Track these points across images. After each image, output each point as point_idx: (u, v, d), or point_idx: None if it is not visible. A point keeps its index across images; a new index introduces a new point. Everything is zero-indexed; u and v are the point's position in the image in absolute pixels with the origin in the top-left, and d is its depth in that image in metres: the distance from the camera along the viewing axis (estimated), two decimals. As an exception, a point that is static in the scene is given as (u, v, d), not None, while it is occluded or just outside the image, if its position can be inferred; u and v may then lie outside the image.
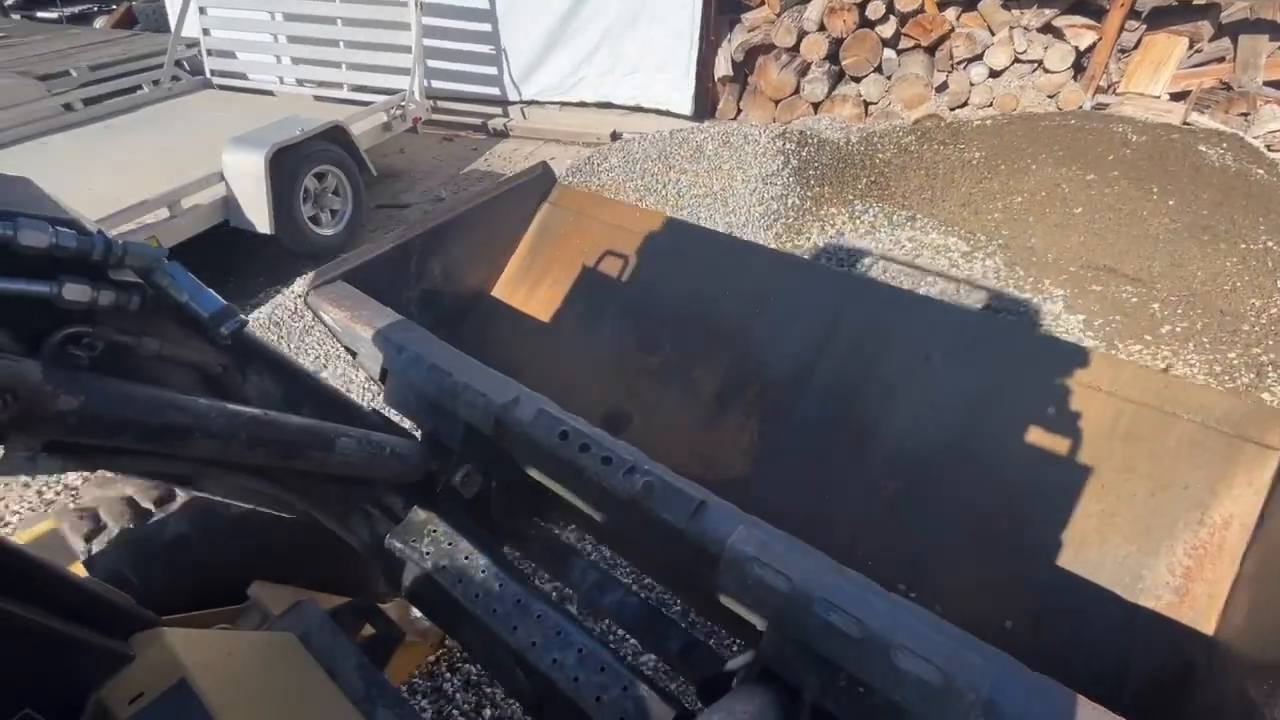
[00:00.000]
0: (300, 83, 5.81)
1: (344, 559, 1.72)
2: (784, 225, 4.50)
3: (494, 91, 6.96)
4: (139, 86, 5.59)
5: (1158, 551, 1.31)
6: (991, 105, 6.08)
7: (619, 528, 1.22)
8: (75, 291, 0.79)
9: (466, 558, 1.23)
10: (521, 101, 6.98)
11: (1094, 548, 1.36)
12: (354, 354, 1.75)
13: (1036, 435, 1.49)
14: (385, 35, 5.42)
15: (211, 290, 1.00)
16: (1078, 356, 1.52)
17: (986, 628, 1.39)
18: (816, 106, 6.33)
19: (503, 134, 6.91)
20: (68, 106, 5.12)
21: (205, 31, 5.76)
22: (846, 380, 1.73)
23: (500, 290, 2.21)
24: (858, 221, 4.57)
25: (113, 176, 4.05)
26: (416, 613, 1.73)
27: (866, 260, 4.19)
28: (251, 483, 1.15)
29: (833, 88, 6.30)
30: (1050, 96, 5.97)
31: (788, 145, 5.04)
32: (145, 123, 5.09)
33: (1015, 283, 3.94)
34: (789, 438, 1.74)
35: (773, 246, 4.25)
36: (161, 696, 0.79)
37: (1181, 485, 1.34)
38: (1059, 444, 1.46)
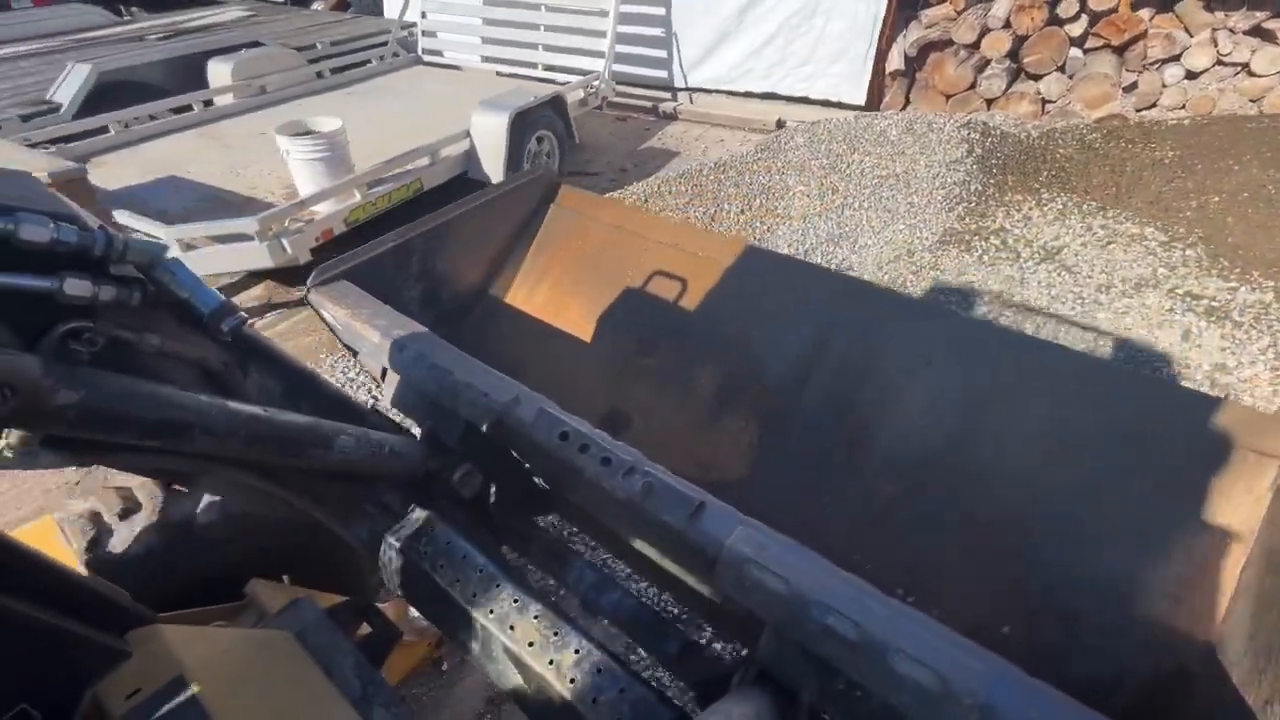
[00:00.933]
0: (498, 61, 6.65)
1: (342, 557, 1.72)
2: (966, 208, 4.72)
3: (664, 77, 7.50)
4: (367, 60, 6.58)
5: (1155, 558, 1.31)
6: (1184, 107, 5.90)
7: (618, 528, 1.22)
8: (76, 287, 0.78)
9: (464, 557, 1.23)
10: (689, 89, 7.43)
11: (1091, 554, 1.36)
12: (355, 352, 1.75)
13: (1034, 440, 1.49)
14: (583, 21, 6.17)
15: (212, 288, 1.00)
16: (1076, 362, 1.52)
17: (984, 632, 1.39)
18: (990, 103, 6.39)
19: (671, 117, 7.30)
20: (319, 75, 6.16)
21: (423, 15, 6.78)
22: (845, 384, 1.73)
23: (501, 289, 2.21)
24: (1045, 209, 4.68)
25: (377, 132, 4.85)
26: (414, 612, 1.73)
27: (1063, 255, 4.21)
28: (251, 480, 1.15)
29: (1009, 85, 6.32)
30: (1254, 100, 5.73)
31: (972, 135, 5.31)
32: (376, 90, 6.08)
33: (1219, 272, 3.94)
34: (787, 441, 1.74)
35: (955, 228, 4.49)
36: (157, 692, 0.79)
37: (1180, 492, 1.34)
38: (1057, 449, 1.46)
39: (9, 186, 0.79)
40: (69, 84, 4.97)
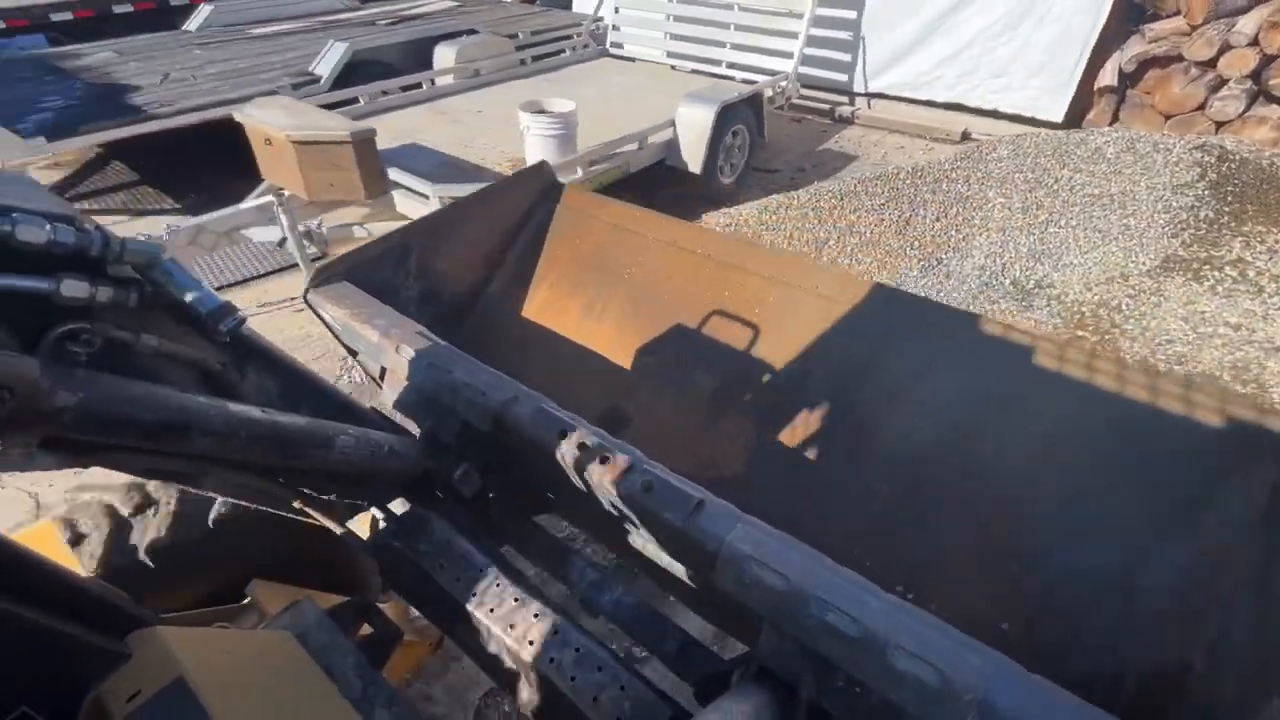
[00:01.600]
0: (681, 57, 6.82)
1: (342, 557, 1.72)
2: (1192, 235, 4.45)
3: (842, 80, 7.38)
4: (560, 51, 7.04)
5: (1156, 554, 1.31)
6: None
7: (617, 526, 1.22)
8: (73, 288, 0.78)
9: (464, 556, 1.23)
10: (868, 94, 7.30)
11: (1091, 550, 1.36)
12: (353, 352, 1.75)
13: (1033, 438, 1.49)
14: (776, 22, 6.29)
15: (210, 288, 1.00)
16: (1077, 357, 1.52)
17: (983, 629, 1.39)
18: (1220, 125, 5.81)
19: (847, 121, 7.25)
20: (522, 62, 6.65)
21: (616, 10, 7.19)
22: (846, 382, 1.73)
23: (499, 289, 2.21)
24: (1295, 242, 4.30)
25: (586, 119, 4.91)
26: (415, 611, 1.73)
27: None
28: (250, 480, 1.15)
29: (1248, 107, 5.73)
30: None
31: (1206, 158, 4.98)
32: (569, 79, 6.47)
33: None
34: (787, 439, 1.74)
35: (1180, 255, 4.29)
36: (158, 694, 0.79)
37: (1180, 487, 1.34)
38: (1056, 446, 1.46)
39: (5, 187, 0.79)
40: (328, 59, 5.63)
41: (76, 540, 1.51)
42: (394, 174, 3.98)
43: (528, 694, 1.10)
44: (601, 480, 1.07)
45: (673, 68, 6.81)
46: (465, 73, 6.13)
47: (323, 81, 5.53)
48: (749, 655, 0.98)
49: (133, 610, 0.89)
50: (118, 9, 7.47)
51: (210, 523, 1.61)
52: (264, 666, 0.97)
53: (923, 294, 4.02)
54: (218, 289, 4.39)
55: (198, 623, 1.15)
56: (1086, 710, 0.76)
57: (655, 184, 5.24)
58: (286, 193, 3.64)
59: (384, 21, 6.85)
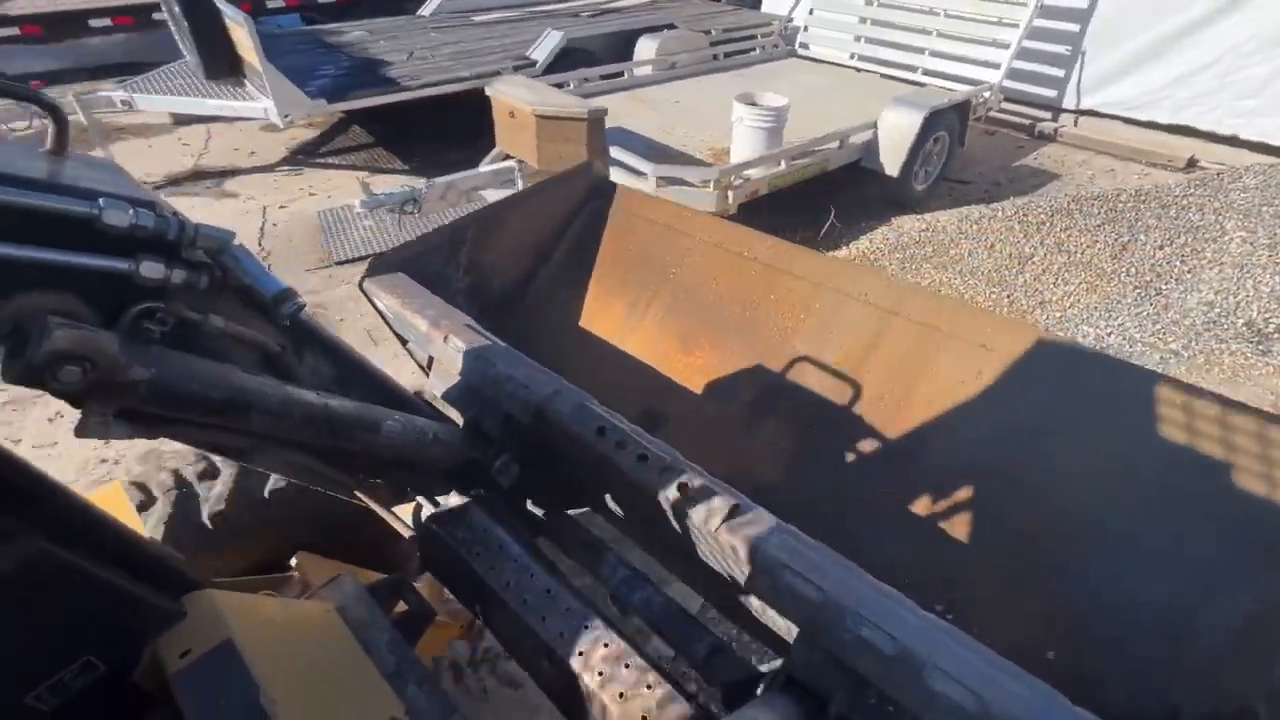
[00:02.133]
0: (873, 61, 6.68)
1: (384, 536, 1.78)
2: None
3: (1048, 94, 6.89)
4: (750, 50, 7.13)
5: (1221, 592, 1.23)
6: None
7: (651, 525, 1.22)
8: (151, 269, 0.83)
9: (500, 546, 1.25)
10: (1077, 110, 6.79)
11: (1147, 581, 1.29)
12: (404, 341, 1.80)
13: (1088, 458, 1.42)
14: (987, 31, 5.97)
15: (274, 274, 1.04)
16: (1143, 379, 1.45)
17: (1027, 656, 1.34)
18: None
19: (1048, 138, 6.83)
20: (715, 57, 6.82)
21: (810, 12, 7.15)
22: (890, 391, 1.68)
23: (546, 284, 2.24)
24: None
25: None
26: (449, 594, 1.78)
27: None
28: (301, 459, 1.20)
29: None
30: None
31: None
32: (758, 77, 6.44)
33: None
34: (827, 448, 1.71)
35: None
36: (208, 653, 0.84)
37: (1247, 520, 1.25)
38: (1113, 468, 1.39)
39: (94, 173, 0.84)
40: (544, 45, 6.11)
41: (147, 503, 1.61)
42: (614, 152, 4.18)
43: (554, 685, 1.11)
44: (637, 479, 1.07)
45: (857, 70, 6.71)
46: (662, 65, 6.39)
47: (538, 66, 5.96)
48: (779, 664, 0.96)
49: (189, 572, 0.94)
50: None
51: (267, 494, 1.70)
52: (305, 635, 1.01)
53: (1136, 324, 3.86)
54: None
55: (246, 589, 1.21)
56: (1135, 750, 0.73)
57: (841, 185, 5.17)
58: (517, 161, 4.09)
59: (587, 14, 7.30)
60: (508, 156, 4.25)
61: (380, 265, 1.66)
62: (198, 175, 5.89)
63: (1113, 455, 1.40)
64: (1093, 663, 1.28)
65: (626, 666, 1.05)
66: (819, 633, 0.87)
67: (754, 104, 4.48)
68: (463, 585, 1.29)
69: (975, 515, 1.48)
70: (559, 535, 1.47)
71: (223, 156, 6.21)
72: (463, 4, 7.56)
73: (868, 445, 1.67)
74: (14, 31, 7.05)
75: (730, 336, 1.94)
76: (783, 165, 4.52)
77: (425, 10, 7.52)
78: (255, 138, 6.52)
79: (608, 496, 1.40)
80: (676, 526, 1.09)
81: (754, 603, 1.09)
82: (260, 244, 4.87)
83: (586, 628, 1.10)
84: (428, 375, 1.55)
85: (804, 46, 7.22)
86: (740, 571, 0.97)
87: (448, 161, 4.57)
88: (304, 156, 6.30)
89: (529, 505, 1.49)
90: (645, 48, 6.40)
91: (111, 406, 0.81)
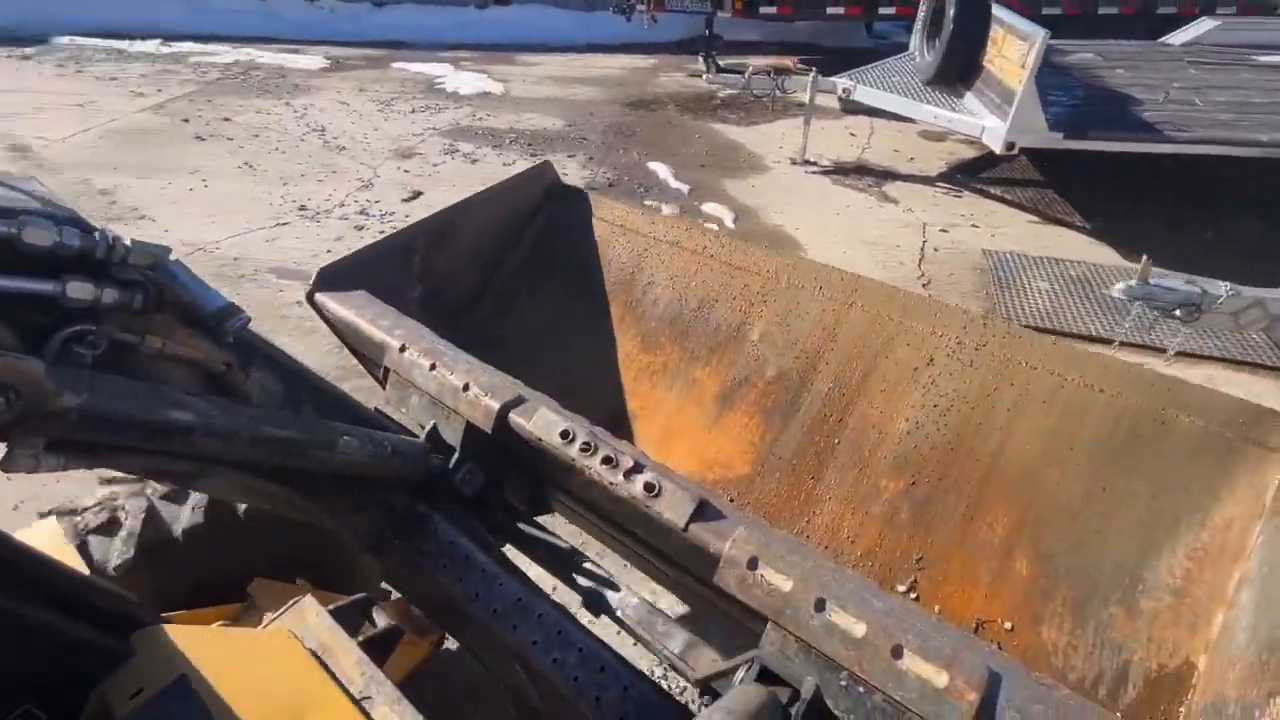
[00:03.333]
0: None
1: (345, 556, 1.72)
2: None
3: None
4: None
5: (1158, 553, 1.31)
6: None
7: (620, 527, 1.22)
8: (79, 290, 0.79)
9: (467, 557, 1.23)
10: None
11: (1094, 549, 1.36)
12: (358, 353, 1.75)
13: (1037, 436, 1.49)
14: None
15: (213, 289, 1.00)
16: (1079, 358, 1.52)
17: (987, 628, 1.39)
18: None
19: None
20: None
21: None
22: (849, 380, 1.73)
23: (503, 289, 2.21)
24: None
25: None
26: (416, 610, 1.74)
27: None
28: (253, 481, 1.15)
29: None
30: None
31: None
32: None
33: None
34: (790, 437, 1.74)
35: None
36: (160, 693, 0.80)
37: (1182, 487, 1.33)
38: (1059, 445, 1.46)
39: (14, 191, 0.79)
40: None
41: (111, 525, 1.52)
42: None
43: (531, 694, 1.10)
44: (604, 482, 1.07)
45: None
46: None
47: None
48: (751, 656, 0.98)
49: (136, 608, 0.89)
50: (1104, 10, 7.25)
51: (184, 531, 1.60)
52: (265, 666, 0.98)
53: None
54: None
55: (199, 622, 1.16)
56: (1090, 709, 0.76)
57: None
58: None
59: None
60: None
61: (328, 277, 1.62)
62: (861, 169, 5.61)
63: (1051, 430, 1.47)
64: (1050, 630, 1.34)
65: (602, 669, 1.05)
66: (788, 621, 0.89)
67: None
68: (429, 599, 1.26)
69: (934, 497, 1.53)
70: (526, 542, 1.46)
71: (883, 155, 5.87)
72: (1241, 37, 5.82)
73: (831, 433, 1.71)
74: (772, 10, 8.55)
75: (690, 334, 1.96)
76: None
77: (1176, 39, 5.96)
78: (913, 142, 6.11)
79: (575, 500, 1.39)
80: (645, 526, 1.09)
81: (724, 597, 1.10)
82: (920, 266, 4.29)
83: (559, 633, 1.09)
84: (383, 388, 1.51)
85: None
86: (709, 567, 0.98)
87: (1177, 242, 3.48)
88: (963, 176, 5.57)
89: (495, 513, 1.47)
90: None
91: (41, 437, 0.77)
